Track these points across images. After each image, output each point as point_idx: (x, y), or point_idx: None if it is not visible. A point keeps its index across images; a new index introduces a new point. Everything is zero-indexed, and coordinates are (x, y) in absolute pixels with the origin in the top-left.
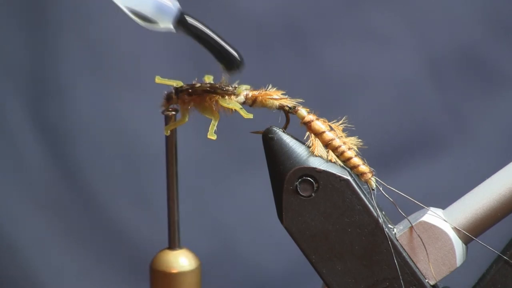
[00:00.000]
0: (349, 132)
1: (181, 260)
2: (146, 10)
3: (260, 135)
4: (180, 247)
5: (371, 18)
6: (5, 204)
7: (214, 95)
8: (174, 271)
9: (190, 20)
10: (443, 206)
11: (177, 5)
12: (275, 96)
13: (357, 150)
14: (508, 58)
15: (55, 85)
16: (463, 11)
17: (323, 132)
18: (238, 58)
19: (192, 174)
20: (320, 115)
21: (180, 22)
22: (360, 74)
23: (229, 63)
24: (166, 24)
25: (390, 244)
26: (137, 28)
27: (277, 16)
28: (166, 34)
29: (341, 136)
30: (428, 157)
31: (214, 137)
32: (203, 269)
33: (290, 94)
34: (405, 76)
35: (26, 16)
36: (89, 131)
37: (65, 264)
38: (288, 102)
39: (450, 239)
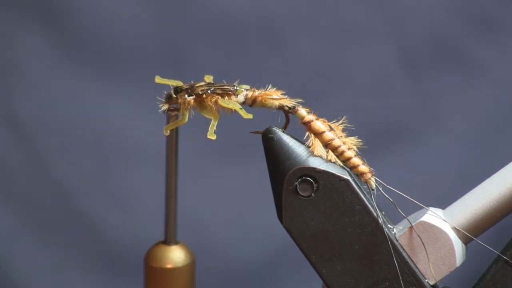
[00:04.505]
0: (348, 132)
1: (176, 255)
2: None
3: (260, 135)
4: (176, 241)
5: (345, 11)
6: None
7: (214, 95)
8: (169, 265)
9: None
10: (419, 199)
11: None
12: (275, 96)
13: (357, 150)
14: (483, 49)
15: (26, 81)
16: (437, 2)
17: (323, 132)
18: None
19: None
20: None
21: None
22: (335, 67)
23: None
24: None
25: (390, 244)
26: (111, 22)
27: (252, 12)
28: (143, 31)
29: (341, 136)
30: (403, 148)
31: (213, 137)
32: None
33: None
34: (380, 68)
35: None
36: (64, 129)
37: (43, 266)
38: (288, 102)
39: (450, 239)
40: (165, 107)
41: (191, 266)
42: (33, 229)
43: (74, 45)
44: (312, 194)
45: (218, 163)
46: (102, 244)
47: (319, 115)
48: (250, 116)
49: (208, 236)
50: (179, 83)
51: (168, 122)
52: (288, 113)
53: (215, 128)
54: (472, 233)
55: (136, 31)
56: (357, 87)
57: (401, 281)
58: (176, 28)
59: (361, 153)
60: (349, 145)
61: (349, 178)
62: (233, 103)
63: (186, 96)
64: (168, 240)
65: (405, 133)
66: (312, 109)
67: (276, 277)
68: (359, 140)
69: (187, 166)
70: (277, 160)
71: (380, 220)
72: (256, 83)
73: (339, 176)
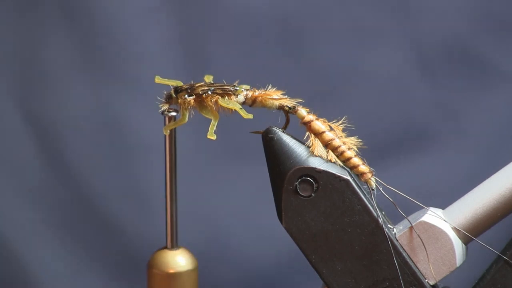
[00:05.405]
0: (348, 132)
1: (179, 260)
2: None
3: (260, 135)
4: (177, 246)
5: (361, 13)
6: None
7: (214, 95)
8: (172, 271)
9: None
10: (433, 202)
11: None
12: (275, 96)
13: (357, 150)
14: (499, 52)
15: (46, 80)
16: (453, 4)
17: (323, 132)
18: None
19: (181, 171)
20: (310, 111)
21: None
22: (351, 69)
23: None
24: None
25: (390, 244)
26: (128, 21)
27: (269, 14)
28: (160, 30)
29: (341, 136)
30: (418, 151)
31: (213, 137)
32: None
33: (282, 90)
34: (396, 71)
35: (16, 11)
36: (83, 127)
37: (59, 262)
38: (288, 102)
39: (450, 239)
40: (165, 107)
41: (194, 272)
42: (51, 226)
43: (94, 45)
44: (312, 194)
45: (224, 165)
46: (119, 243)
47: (335, 116)
48: (250, 116)
49: (214, 240)
50: (179, 83)
51: (167, 122)
52: (288, 113)
53: (215, 128)
54: (472, 233)
55: (155, 33)
56: (373, 89)
57: (401, 281)
58: (194, 29)
59: (376, 155)
60: (349, 145)
61: (349, 178)
62: (233, 103)
63: (186, 96)
64: (170, 245)
65: (421, 135)
66: (315, 110)
67: (282, 281)
68: (359, 140)
69: (192, 169)
70: (277, 160)
71: (380, 220)
72: (269, 83)
73: (339, 176)
